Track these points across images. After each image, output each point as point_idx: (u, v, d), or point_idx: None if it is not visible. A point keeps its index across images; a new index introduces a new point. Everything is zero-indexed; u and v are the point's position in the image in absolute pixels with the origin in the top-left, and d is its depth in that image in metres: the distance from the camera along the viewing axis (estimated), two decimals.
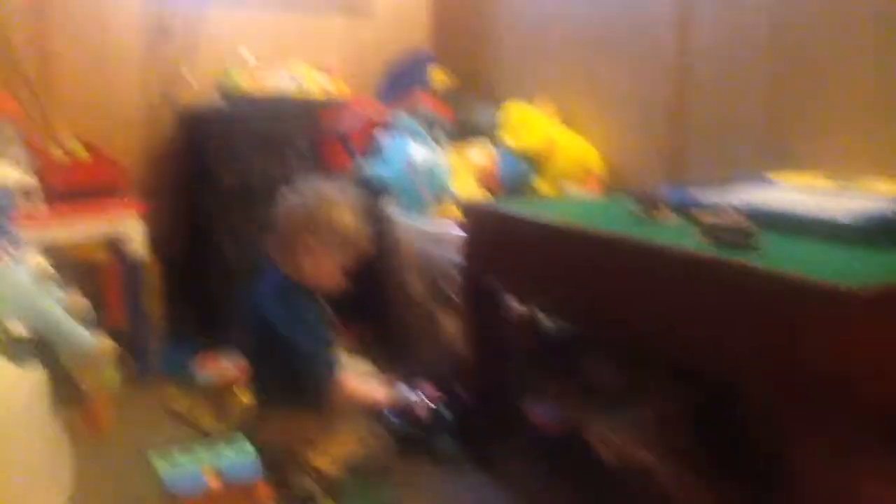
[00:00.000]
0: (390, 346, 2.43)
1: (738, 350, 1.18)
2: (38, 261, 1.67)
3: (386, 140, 2.60)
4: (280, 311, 1.79)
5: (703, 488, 1.49)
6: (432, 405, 1.93)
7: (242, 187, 2.57)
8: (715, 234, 1.27)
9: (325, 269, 1.83)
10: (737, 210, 1.37)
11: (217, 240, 2.58)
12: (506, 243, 1.72)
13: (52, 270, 1.66)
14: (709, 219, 1.31)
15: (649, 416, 1.74)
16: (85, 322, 1.66)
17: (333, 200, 1.84)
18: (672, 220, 1.53)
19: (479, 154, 2.60)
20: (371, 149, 2.67)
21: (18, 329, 1.50)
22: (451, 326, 2.16)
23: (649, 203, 1.56)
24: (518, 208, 1.78)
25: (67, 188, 2.25)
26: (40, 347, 1.50)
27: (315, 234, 1.81)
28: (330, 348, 1.81)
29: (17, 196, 1.83)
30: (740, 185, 1.69)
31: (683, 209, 1.53)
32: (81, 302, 1.70)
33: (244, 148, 2.60)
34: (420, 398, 1.92)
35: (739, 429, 1.65)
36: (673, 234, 1.39)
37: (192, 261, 2.80)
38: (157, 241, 2.63)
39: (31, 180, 1.85)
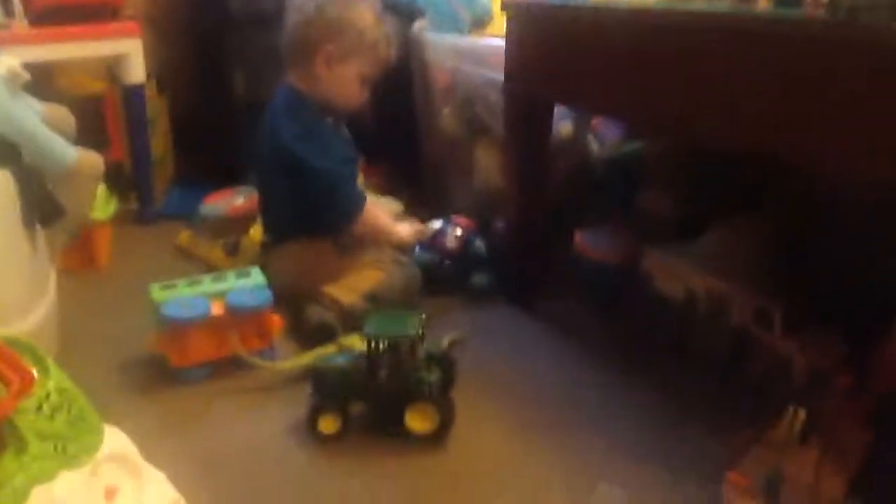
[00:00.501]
0: (421, 184, 2.21)
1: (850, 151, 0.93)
2: (10, 64, 1.42)
3: None
4: (292, 127, 1.60)
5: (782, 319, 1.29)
6: (465, 236, 1.72)
7: (252, 11, 2.29)
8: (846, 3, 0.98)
9: (344, 81, 1.64)
10: None
11: (225, 70, 2.32)
12: (559, 45, 1.45)
13: (27, 75, 1.41)
14: None
15: (721, 241, 1.52)
16: (66, 134, 1.43)
17: (349, 1, 1.62)
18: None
19: None
20: None
21: None
22: (487, 159, 1.93)
23: None
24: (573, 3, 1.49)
25: (54, 4, 1.97)
26: (10, 156, 1.27)
27: (333, 41, 1.61)
28: (349, 165, 1.63)
29: None
30: None
31: None
32: (60, 111, 1.47)
33: None
34: (451, 229, 1.71)
35: (825, 249, 1.44)
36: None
37: (199, 94, 2.55)
38: (161, 73, 2.40)
39: None
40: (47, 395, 0.70)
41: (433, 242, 1.73)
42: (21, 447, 0.67)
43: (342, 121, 1.73)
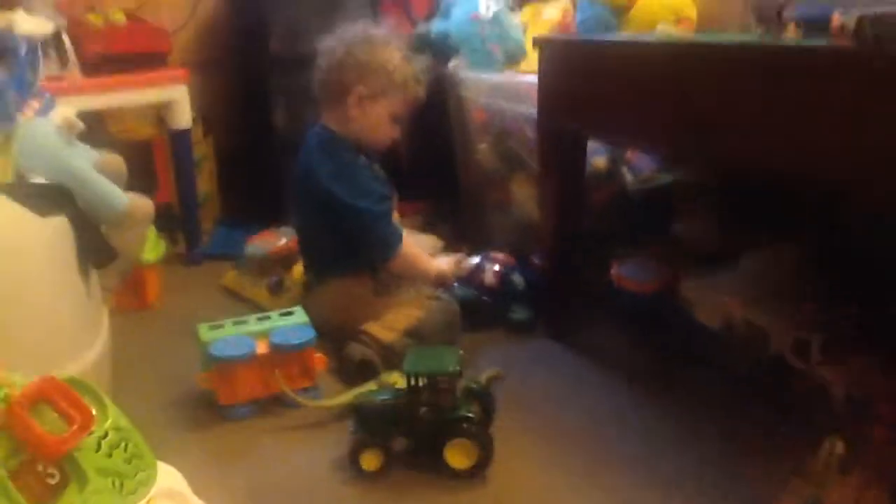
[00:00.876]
0: (459, 219, 2.24)
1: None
2: (66, 115, 1.49)
3: None
4: (327, 167, 1.65)
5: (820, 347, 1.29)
6: (503, 271, 1.74)
7: (293, 53, 2.36)
8: (872, 31, 1.00)
9: (376, 121, 1.68)
10: None
11: (268, 110, 2.38)
12: (592, 79, 1.47)
13: (81, 125, 1.48)
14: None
15: (757, 269, 1.53)
16: (118, 180, 1.50)
17: (379, 42, 1.68)
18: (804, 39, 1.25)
19: (554, 9, 2.32)
20: (433, 11, 2.42)
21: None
22: (523, 193, 1.96)
23: (773, 19, 1.27)
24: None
25: (106, 55, 2.05)
26: (67, 202, 1.33)
27: (364, 82, 1.66)
28: (384, 202, 1.65)
29: (41, 49, 1.64)
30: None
31: (817, 24, 1.24)
32: (114, 159, 1.53)
33: (294, 11, 2.38)
34: (489, 265, 1.74)
35: (862, 275, 1.44)
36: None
37: (244, 135, 2.62)
38: (206, 115, 2.48)
39: (52, 27, 1.65)
40: (105, 434, 0.74)
41: (471, 278, 1.75)
42: (82, 483, 0.71)
43: (376, 159, 1.76)
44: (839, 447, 1.07)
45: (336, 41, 1.70)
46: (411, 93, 1.70)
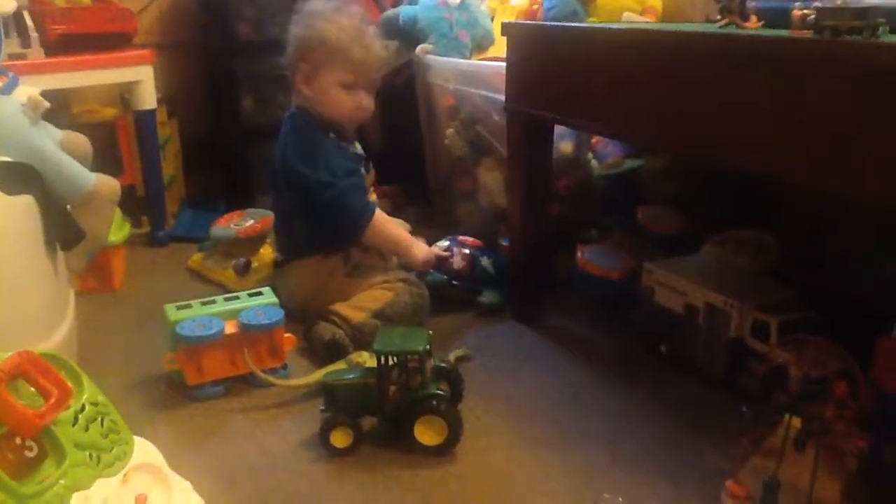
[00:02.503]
0: (428, 203, 2.26)
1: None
2: (30, 93, 1.47)
3: None
4: (293, 145, 1.66)
5: (778, 329, 1.34)
6: (472, 255, 1.76)
7: (260, 37, 2.35)
8: (830, 23, 1.03)
9: (326, 93, 1.67)
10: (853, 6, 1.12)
11: (234, 93, 2.37)
12: (559, 66, 1.49)
13: (46, 103, 1.46)
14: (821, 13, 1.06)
15: (719, 255, 1.57)
16: (84, 160, 1.49)
17: (319, 16, 1.66)
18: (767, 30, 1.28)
19: None
20: None
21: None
22: (490, 178, 1.98)
23: (736, 10, 1.30)
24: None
25: (70, 35, 2.02)
26: (33, 181, 1.32)
27: (304, 59, 1.66)
28: (352, 177, 1.65)
29: (1, 26, 1.62)
30: None
31: (780, 15, 1.27)
32: (79, 139, 1.52)
33: None
34: (458, 249, 1.75)
35: (820, 260, 1.49)
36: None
37: (209, 118, 2.61)
38: (171, 98, 2.46)
39: (13, 5, 1.62)
40: (82, 408, 0.75)
41: (441, 263, 1.76)
42: (60, 456, 0.72)
43: (350, 135, 1.75)
44: (795, 425, 1.11)
45: (292, 20, 1.71)
46: (355, 57, 1.65)
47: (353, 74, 1.66)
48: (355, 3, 1.72)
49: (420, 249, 1.72)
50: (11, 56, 1.81)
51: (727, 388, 1.40)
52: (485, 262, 1.78)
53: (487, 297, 1.77)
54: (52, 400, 0.72)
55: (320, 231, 1.65)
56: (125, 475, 0.76)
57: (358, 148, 1.76)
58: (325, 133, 1.68)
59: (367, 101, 1.70)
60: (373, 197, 1.76)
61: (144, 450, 0.82)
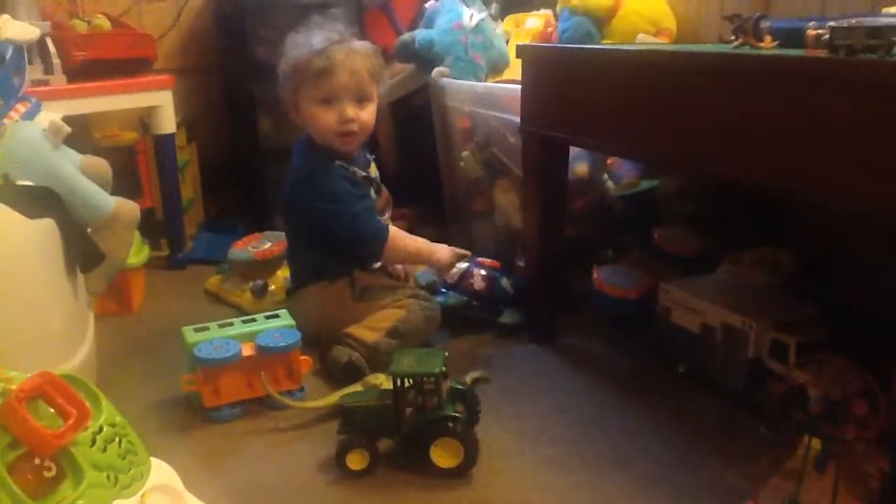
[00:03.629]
0: (443, 226, 2.26)
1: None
2: (52, 119, 1.50)
3: (434, 7, 2.36)
4: (299, 174, 1.68)
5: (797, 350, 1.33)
6: (491, 275, 1.77)
7: (277, 60, 2.37)
8: (845, 42, 1.03)
9: (312, 116, 1.66)
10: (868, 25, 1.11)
11: (253, 116, 2.40)
12: (574, 88, 1.50)
13: (67, 128, 1.49)
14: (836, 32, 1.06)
15: (736, 274, 1.56)
16: (103, 184, 1.51)
17: (291, 44, 1.66)
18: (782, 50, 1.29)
19: (536, 19, 2.36)
20: (417, 20, 2.44)
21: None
22: (506, 200, 1.98)
23: (750, 30, 1.30)
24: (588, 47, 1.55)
25: (91, 61, 2.06)
26: (54, 205, 1.34)
27: (282, 91, 1.68)
28: (359, 202, 1.67)
29: (25, 52, 1.65)
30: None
31: (794, 35, 1.27)
32: (99, 163, 1.55)
33: (279, 19, 2.39)
34: (477, 270, 1.76)
35: (840, 279, 1.48)
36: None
37: (227, 141, 2.64)
38: (190, 121, 2.49)
39: (37, 32, 1.65)
40: (100, 429, 0.75)
41: (460, 284, 1.76)
42: (78, 476, 0.73)
43: (359, 158, 1.74)
44: (815, 446, 1.10)
45: None
46: (315, 69, 1.61)
47: (321, 87, 1.63)
48: (337, 26, 1.71)
49: (443, 252, 1.71)
50: (35, 82, 1.84)
51: (746, 409, 1.38)
52: (504, 282, 1.78)
53: (508, 317, 1.77)
54: (71, 421, 0.73)
55: (325, 257, 1.67)
56: (142, 496, 0.77)
57: (373, 172, 1.77)
58: (331, 160, 1.67)
59: (351, 112, 1.64)
60: (386, 219, 1.76)
61: (161, 471, 0.82)
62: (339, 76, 1.62)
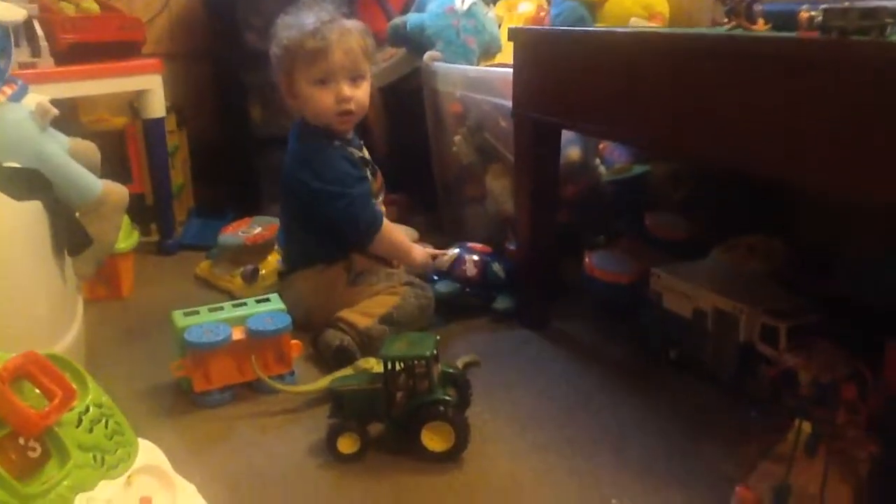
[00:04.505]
0: (434, 211, 2.26)
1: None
2: (40, 101, 1.48)
3: None
4: (296, 156, 1.67)
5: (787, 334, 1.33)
6: (482, 261, 1.76)
7: (267, 47, 2.35)
8: (838, 24, 1.02)
9: (308, 97, 1.65)
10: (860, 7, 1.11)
11: (243, 102, 2.38)
12: (566, 71, 1.49)
13: (54, 110, 1.47)
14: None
15: (727, 259, 1.56)
16: (92, 167, 1.49)
17: (283, 25, 1.65)
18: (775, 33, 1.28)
19: (528, 3, 2.34)
20: (409, 4, 2.43)
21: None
22: (498, 185, 1.98)
23: (743, 13, 1.30)
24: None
25: (79, 44, 2.03)
26: (42, 187, 1.33)
27: (277, 73, 1.66)
28: (359, 184, 1.66)
29: (11, 34, 1.63)
30: None
31: (787, 17, 1.27)
32: (87, 145, 1.53)
33: (269, 6, 2.37)
34: (468, 256, 1.75)
35: (830, 264, 1.48)
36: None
37: (218, 126, 2.62)
38: (180, 106, 2.47)
39: (23, 14, 1.64)
40: (87, 409, 0.75)
41: (452, 272, 1.76)
42: (64, 457, 0.72)
43: (356, 142, 1.74)
44: (805, 430, 1.10)
45: None
46: (309, 48, 1.60)
47: (316, 67, 1.61)
48: (326, 6, 1.69)
49: (418, 254, 1.73)
50: (21, 65, 1.82)
51: (736, 393, 1.39)
52: (496, 267, 1.77)
53: (501, 303, 1.76)
54: (56, 401, 0.72)
55: (321, 241, 1.66)
56: (129, 477, 0.76)
57: (365, 153, 1.76)
58: (330, 140, 1.67)
59: (348, 91, 1.63)
60: (381, 207, 1.75)
61: (149, 452, 0.82)
62: (335, 55, 1.61)
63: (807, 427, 1.10)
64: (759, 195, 1.66)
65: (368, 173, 1.72)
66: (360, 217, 1.64)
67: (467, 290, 1.75)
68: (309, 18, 1.63)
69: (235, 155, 2.52)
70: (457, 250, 1.78)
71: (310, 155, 1.65)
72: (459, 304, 1.75)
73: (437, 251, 1.78)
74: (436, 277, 1.78)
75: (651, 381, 1.49)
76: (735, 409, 1.35)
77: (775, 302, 1.39)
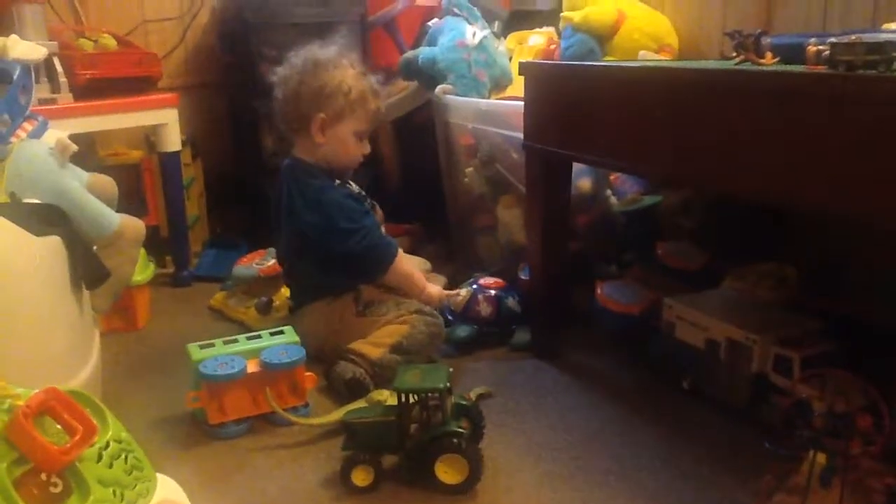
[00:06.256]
0: (446, 241, 2.27)
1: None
2: (59, 137, 1.51)
3: (437, 25, 2.37)
4: (301, 199, 1.68)
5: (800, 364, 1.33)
6: (497, 296, 1.77)
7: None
8: (845, 58, 1.04)
9: (342, 142, 1.69)
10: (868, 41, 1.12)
11: (257, 134, 2.41)
12: (577, 104, 1.51)
13: (74, 147, 1.50)
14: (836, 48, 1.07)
15: (739, 289, 1.56)
16: (109, 201, 1.52)
17: (329, 64, 1.67)
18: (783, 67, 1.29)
19: (539, 36, 2.37)
20: (421, 38, 2.46)
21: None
22: (509, 216, 1.99)
23: (751, 47, 1.31)
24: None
25: (97, 79, 2.07)
26: (60, 222, 1.35)
27: (323, 108, 1.66)
28: (367, 217, 1.68)
29: (32, 72, 1.67)
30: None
31: (795, 51, 1.28)
32: (105, 180, 1.56)
33: (283, 37, 2.41)
34: (482, 294, 1.77)
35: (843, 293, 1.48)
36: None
37: (232, 158, 2.65)
38: (195, 138, 2.50)
39: (44, 52, 1.67)
40: (107, 445, 0.76)
41: (467, 313, 1.76)
42: (84, 492, 0.73)
43: (349, 178, 1.77)
44: (820, 461, 1.09)
45: (289, 70, 1.71)
46: (371, 107, 1.70)
47: (368, 124, 1.71)
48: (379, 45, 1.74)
49: (433, 291, 1.72)
50: (42, 101, 1.86)
51: (750, 424, 1.38)
52: (510, 302, 1.78)
53: (519, 337, 1.77)
54: (77, 437, 0.73)
55: (327, 274, 1.67)
56: None
57: (355, 188, 1.78)
58: (332, 180, 1.70)
59: (367, 149, 1.75)
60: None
61: (167, 487, 0.82)
62: (377, 118, 1.74)
63: (821, 458, 1.09)
64: (770, 224, 1.67)
65: (368, 206, 1.74)
66: (379, 246, 1.65)
67: (484, 329, 1.76)
68: (353, 66, 1.70)
69: (249, 184, 2.54)
70: (471, 288, 1.78)
71: (315, 196, 1.66)
72: (480, 343, 1.76)
73: (450, 292, 1.77)
74: (450, 318, 1.78)
75: (664, 411, 1.49)
76: (748, 440, 1.34)
77: (788, 331, 1.39)
